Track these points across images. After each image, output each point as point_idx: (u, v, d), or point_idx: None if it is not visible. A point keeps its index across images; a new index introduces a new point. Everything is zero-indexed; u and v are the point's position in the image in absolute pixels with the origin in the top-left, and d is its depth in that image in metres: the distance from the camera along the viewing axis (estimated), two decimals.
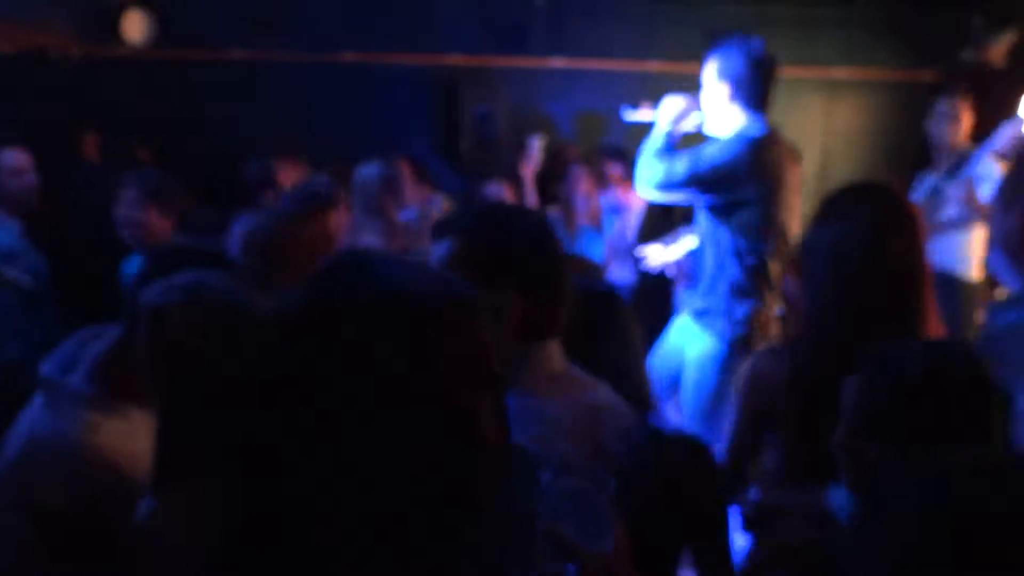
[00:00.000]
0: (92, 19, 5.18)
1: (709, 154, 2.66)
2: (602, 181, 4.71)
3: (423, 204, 3.80)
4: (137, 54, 5.33)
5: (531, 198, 4.33)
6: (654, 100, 5.50)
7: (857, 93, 5.91)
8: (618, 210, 4.59)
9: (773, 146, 2.68)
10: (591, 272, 2.14)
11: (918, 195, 3.70)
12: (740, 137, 2.68)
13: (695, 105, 2.80)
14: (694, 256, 2.83)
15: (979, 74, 4.38)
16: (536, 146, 4.37)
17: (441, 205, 3.76)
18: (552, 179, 4.55)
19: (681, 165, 2.66)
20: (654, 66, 5.68)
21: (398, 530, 0.78)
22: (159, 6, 5.33)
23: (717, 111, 2.73)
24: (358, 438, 0.76)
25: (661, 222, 4.74)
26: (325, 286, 0.82)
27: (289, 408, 0.78)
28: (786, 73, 5.06)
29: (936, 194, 3.68)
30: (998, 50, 4.38)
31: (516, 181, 4.38)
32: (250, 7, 5.44)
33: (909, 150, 4.54)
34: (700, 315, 2.77)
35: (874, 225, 1.77)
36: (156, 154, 4.80)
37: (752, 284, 2.68)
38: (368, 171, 3.04)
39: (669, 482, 1.39)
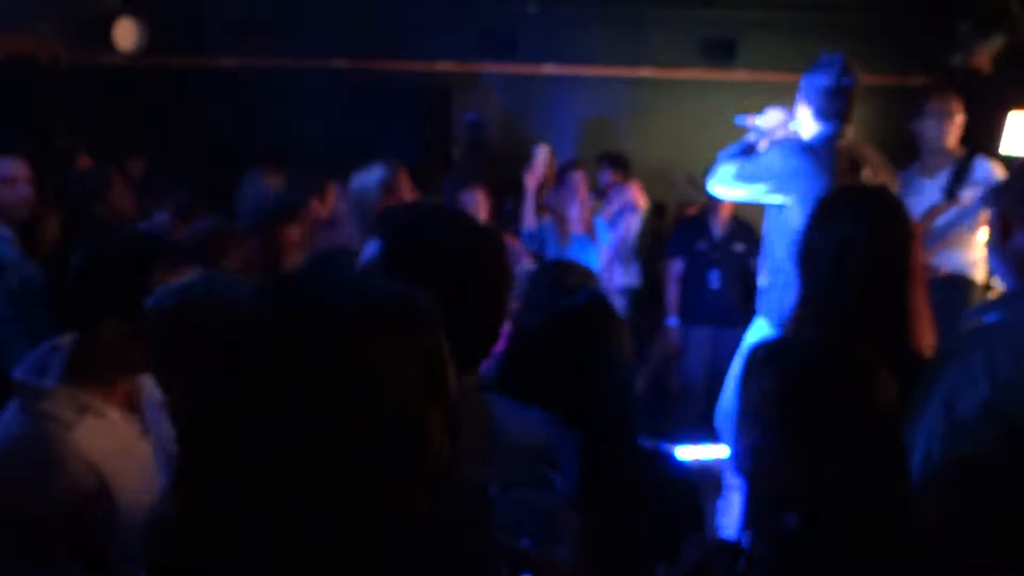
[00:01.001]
0: (83, 27, 5.17)
1: (761, 156, 2.97)
2: (598, 189, 4.70)
3: None
4: (128, 62, 5.32)
5: (530, 208, 4.29)
6: (645, 105, 5.51)
7: None
8: (624, 213, 4.57)
9: (825, 152, 2.83)
10: (588, 280, 2.14)
11: (932, 199, 3.61)
12: (795, 143, 2.92)
13: (791, 117, 3.09)
14: (763, 247, 3.08)
15: (967, 79, 4.41)
16: (542, 155, 4.31)
17: None
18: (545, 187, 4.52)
19: (738, 164, 2.97)
20: (645, 72, 5.71)
21: (339, 537, 0.78)
22: (150, 14, 5.33)
23: (800, 123, 3.01)
24: (301, 443, 0.76)
25: (655, 227, 4.77)
26: (283, 292, 0.84)
27: (239, 409, 0.79)
28: (774, 79, 5.11)
29: (951, 199, 3.57)
30: (986, 55, 4.41)
31: (517, 190, 4.32)
32: (241, 14, 5.44)
33: (898, 154, 4.56)
34: (760, 300, 2.98)
35: (871, 227, 1.81)
36: (147, 161, 4.78)
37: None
38: (366, 177, 2.96)
39: (641, 501, 1.40)
